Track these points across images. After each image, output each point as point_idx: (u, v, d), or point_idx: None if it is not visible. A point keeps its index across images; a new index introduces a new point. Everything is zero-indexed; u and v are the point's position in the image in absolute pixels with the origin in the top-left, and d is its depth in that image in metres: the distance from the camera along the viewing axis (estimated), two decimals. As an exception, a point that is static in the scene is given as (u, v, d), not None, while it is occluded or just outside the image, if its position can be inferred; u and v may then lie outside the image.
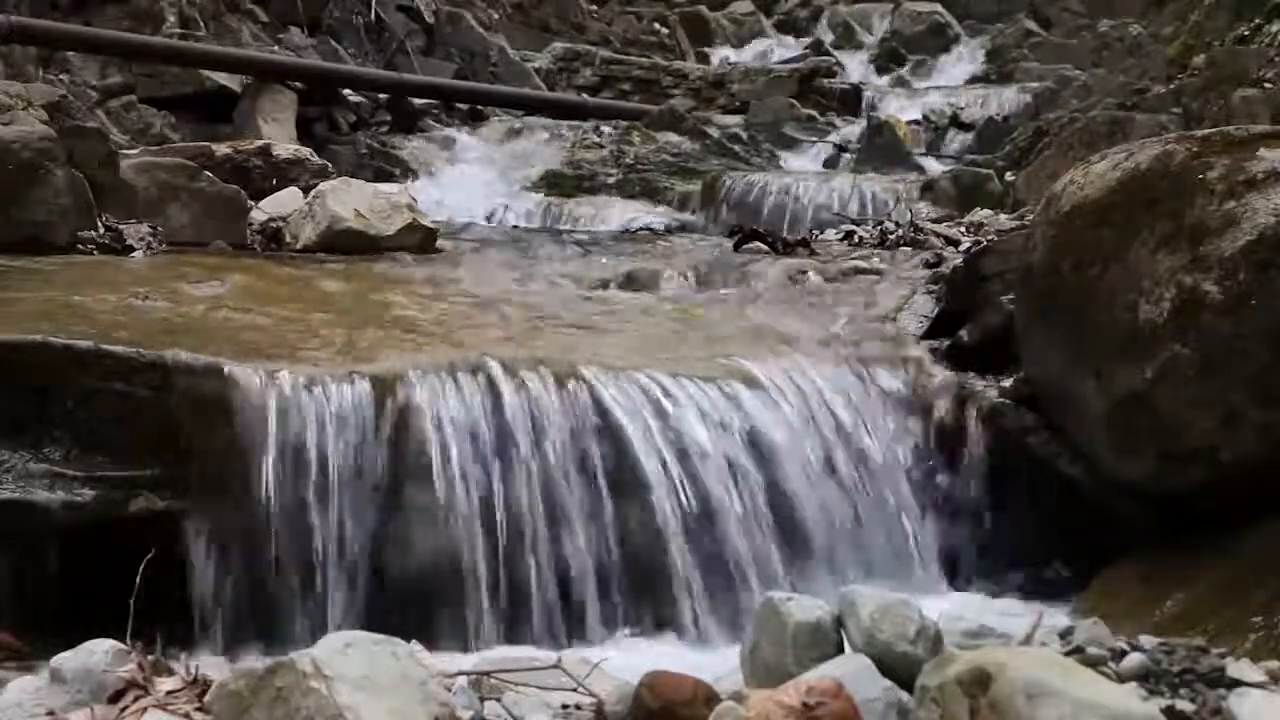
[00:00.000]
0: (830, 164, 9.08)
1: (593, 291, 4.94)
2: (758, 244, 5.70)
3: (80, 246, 4.90)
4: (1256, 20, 7.13)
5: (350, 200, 5.56)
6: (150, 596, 2.57)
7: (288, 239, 5.57)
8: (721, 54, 13.08)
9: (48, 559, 3.08)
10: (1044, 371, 3.59)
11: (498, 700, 2.12)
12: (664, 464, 3.35)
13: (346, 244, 5.44)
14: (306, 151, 6.72)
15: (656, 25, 13.18)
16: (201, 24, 9.09)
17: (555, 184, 8.49)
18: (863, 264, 5.09)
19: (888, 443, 3.67)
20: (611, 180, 8.51)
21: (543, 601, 3.23)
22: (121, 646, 2.19)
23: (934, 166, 8.67)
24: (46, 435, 3.11)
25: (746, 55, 13.04)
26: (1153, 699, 2.02)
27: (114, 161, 5.38)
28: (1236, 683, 2.07)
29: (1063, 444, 3.58)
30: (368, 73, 9.59)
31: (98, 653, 2.15)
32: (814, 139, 9.49)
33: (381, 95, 9.46)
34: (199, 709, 2.03)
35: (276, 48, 9.47)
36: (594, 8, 13.24)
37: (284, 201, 5.81)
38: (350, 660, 1.89)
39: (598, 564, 3.28)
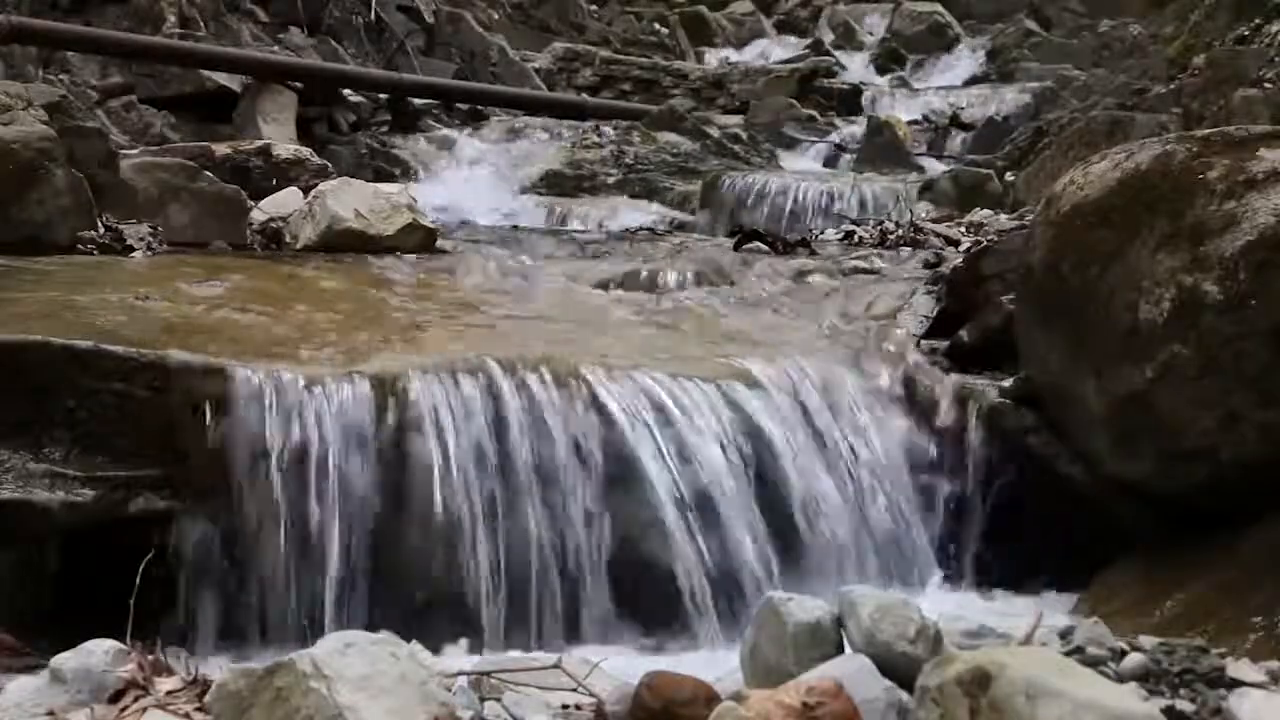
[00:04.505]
0: (830, 164, 9.07)
1: (593, 291, 4.94)
2: (758, 244, 5.69)
3: (80, 246, 4.90)
4: (1256, 20, 7.13)
5: (350, 200, 5.56)
6: (150, 596, 2.57)
7: (288, 239, 5.57)
8: (721, 54, 13.08)
9: (48, 559, 3.08)
10: (1044, 371, 3.59)
11: (498, 700, 2.12)
12: (664, 463, 3.35)
13: (346, 244, 5.44)
14: (306, 151, 6.72)
15: (656, 25, 13.18)
16: (201, 24, 9.09)
17: (555, 184, 8.49)
18: (863, 264, 5.09)
19: (888, 443, 3.66)
20: (611, 180, 8.51)
21: (543, 601, 3.23)
22: (121, 646, 2.19)
23: (934, 166, 8.67)
24: (46, 435, 3.11)
25: (746, 55, 13.04)
26: (1153, 699, 2.02)
27: (114, 161, 5.37)
28: (1236, 683, 2.07)
29: (1063, 444, 3.57)
30: (368, 73, 9.59)
31: (98, 653, 2.15)
32: (814, 139, 9.49)
33: (381, 95, 9.46)
34: (199, 709, 2.03)
35: (276, 48, 9.46)
36: (594, 8, 13.24)
37: (284, 201, 5.81)
38: (350, 660, 1.89)
39: (598, 563, 3.28)
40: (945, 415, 3.74)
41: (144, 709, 2.06)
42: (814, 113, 9.94)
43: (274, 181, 6.14)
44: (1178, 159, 3.32)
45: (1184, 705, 2.01)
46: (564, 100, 10.28)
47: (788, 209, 7.45)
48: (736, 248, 5.68)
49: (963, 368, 3.91)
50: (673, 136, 9.00)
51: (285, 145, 6.80)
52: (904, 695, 1.90)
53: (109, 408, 3.14)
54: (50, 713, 2.08)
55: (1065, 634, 2.30)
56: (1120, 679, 2.09)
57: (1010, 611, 3.19)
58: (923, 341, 4.10)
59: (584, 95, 10.59)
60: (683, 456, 3.38)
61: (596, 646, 3.12)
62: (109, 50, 8.37)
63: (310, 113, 8.87)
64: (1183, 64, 7.55)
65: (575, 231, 7.39)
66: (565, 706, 2.11)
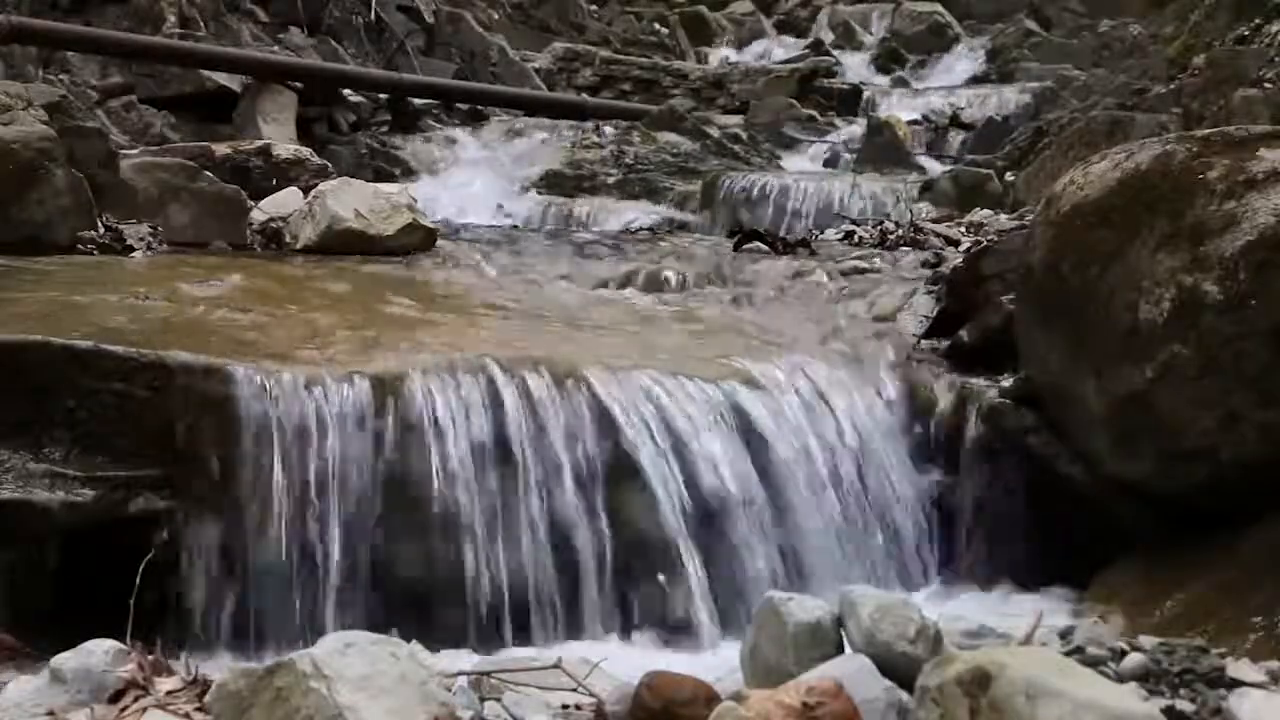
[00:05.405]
0: (830, 164, 9.07)
1: (593, 291, 4.94)
2: (758, 244, 5.69)
3: (80, 246, 4.90)
4: (1256, 20, 7.13)
5: (350, 200, 5.55)
6: (150, 596, 2.57)
7: (288, 239, 5.57)
8: (721, 54, 13.08)
9: (47, 559, 3.08)
10: (1044, 371, 3.59)
11: (498, 700, 2.12)
12: (664, 464, 3.35)
13: (346, 244, 5.43)
14: (306, 151, 6.72)
15: (656, 25, 13.17)
16: (201, 24, 9.09)
17: (555, 184, 8.49)
18: (863, 264, 5.09)
19: (888, 442, 3.67)
20: (611, 180, 8.51)
21: (543, 601, 3.23)
22: (121, 646, 2.19)
23: (934, 166, 8.67)
24: (46, 435, 3.11)
25: (746, 55, 13.04)
26: (1153, 699, 2.02)
27: (114, 161, 5.38)
28: (1236, 683, 2.07)
29: (1063, 444, 3.57)
30: (368, 73, 9.59)
31: (98, 653, 2.16)
32: (814, 139, 9.49)
33: (381, 95, 9.46)
34: (199, 709, 2.03)
35: (276, 48, 9.46)
36: (594, 8, 13.24)
37: (284, 201, 5.81)
38: (350, 660, 1.89)
39: (598, 564, 3.28)
40: (945, 415, 3.74)
41: (144, 709, 2.06)
42: (814, 113, 9.94)
43: (274, 181, 6.14)
44: (1178, 159, 3.32)
45: (1184, 705, 2.01)
46: (564, 100, 10.27)
47: (788, 209, 7.44)
48: (736, 248, 5.68)
49: (963, 368, 3.91)
50: (673, 136, 9.00)
51: (285, 145, 6.80)
52: (904, 695, 1.90)
53: (109, 408, 3.14)
54: (50, 713, 2.08)
55: (1065, 634, 2.30)
56: (1120, 679, 2.09)
57: (1010, 611, 3.19)
58: (923, 341, 4.10)
59: (584, 95, 10.58)
60: (682, 456, 3.38)
61: (597, 646, 3.12)
62: (109, 50, 8.37)
63: (310, 113, 8.87)
64: (1183, 64, 7.55)
65: (575, 231, 7.39)
66: (565, 706, 2.11)
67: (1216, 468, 3.16)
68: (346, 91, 9.30)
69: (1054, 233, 3.52)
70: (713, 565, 3.31)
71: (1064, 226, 3.48)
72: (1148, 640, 2.25)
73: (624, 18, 13.25)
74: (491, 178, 8.54)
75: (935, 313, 4.24)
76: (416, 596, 3.19)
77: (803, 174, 8.43)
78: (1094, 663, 2.11)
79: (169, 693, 2.11)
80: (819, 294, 4.73)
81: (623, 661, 2.54)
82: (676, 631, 3.26)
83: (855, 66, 12.34)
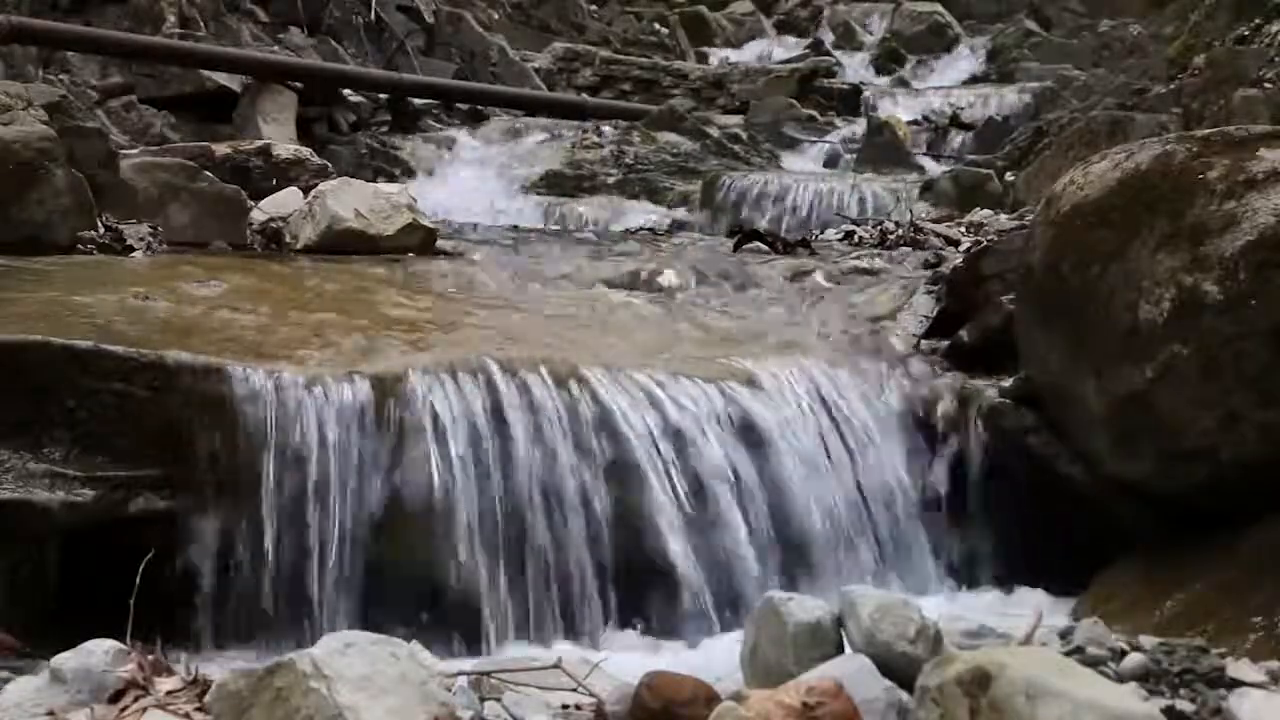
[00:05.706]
0: (830, 164, 9.07)
1: (593, 291, 4.94)
2: (758, 244, 5.69)
3: (80, 246, 4.90)
4: (1256, 20, 7.13)
5: (350, 200, 5.55)
6: (150, 596, 2.57)
7: (288, 239, 5.57)
8: (721, 54, 13.08)
9: (48, 559, 3.08)
10: (1044, 371, 3.59)
11: (498, 700, 2.12)
12: (664, 464, 3.35)
13: (346, 244, 5.43)
14: (306, 151, 6.72)
15: (656, 25, 13.17)
16: (201, 24, 9.09)
17: (555, 184, 8.49)
18: (863, 264, 5.09)
19: (887, 443, 3.67)
20: (611, 180, 8.51)
21: (543, 601, 3.23)
22: (121, 646, 2.19)
23: (934, 166, 8.67)
24: (46, 435, 3.11)
25: (746, 55, 13.04)
26: (1153, 699, 2.02)
27: (114, 161, 5.37)
28: (1236, 683, 2.07)
29: (1063, 444, 3.57)
30: (368, 73, 9.59)
31: (98, 653, 2.16)
32: (814, 139, 9.49)
33: (381, 95, 9.46)
34: (199, 709, 2.03)
35: (276, 48, 9.47)
36: (594, 8, 13.24)
37: (284, 201, 5.81)
38: (350, 660, 1.89)
39: (598, 564, 3.28)
40: (945, 415, 3.74)
41: (144, 709, 2.06)
42: (814, 113, 9.94)
43: (274, 181, 6.13)
44: (1178, 159, 3.32)
45: (1184, 705, 2.01)
46: (564, 100, 10.28)
47: (788, 209, 7.45)
48: (736, 248, 5.67)
49: (963, 368, 3.91)
50: (673, 136, 9.00)
51: (285, 145, 6.80)
52: (904, 695, 1.90)
53: (109, 408, 3.14)
54: (50, 713, 2.08)
55: (1065, 634, 2.30)
56: (1120, 679, 2.09)
57: (1010, 611, 3.19)
58: (923, 341, 4.10)
59: (584, 95, 10.59)
60: (682, 456, 3.38)
61: (596, 646, 3.12)
62: (109, 50, 8.38)
63: (310, 113, 8.88)
64: (1183, 64, 7.56)
65: (575, 231, 7.39)
66: (565, 706, 2.11)
67: (1216, 468, 3.16)
68: (346, 91, 9.31)
69: (1054, 233, 3.52)
70: (713, 565, 3.31)
71: (1064, 226, 3.48)
72: (1148, 640, 2.25)
73: (624, 18, 13.25)
74: (491, 178, 8.55)
75: (935, 313, 4.24)
76: (416, 596, 3.19)
77: (803, 174, 8.43)
78: (1094, 663, 2.11)
79: (169, 693, 2.11)
80: (819, 294, 4.73)
81: (623, 661, 2.54)
82: (676, 631, 3.26)
83: (855, 66, 12.34)
